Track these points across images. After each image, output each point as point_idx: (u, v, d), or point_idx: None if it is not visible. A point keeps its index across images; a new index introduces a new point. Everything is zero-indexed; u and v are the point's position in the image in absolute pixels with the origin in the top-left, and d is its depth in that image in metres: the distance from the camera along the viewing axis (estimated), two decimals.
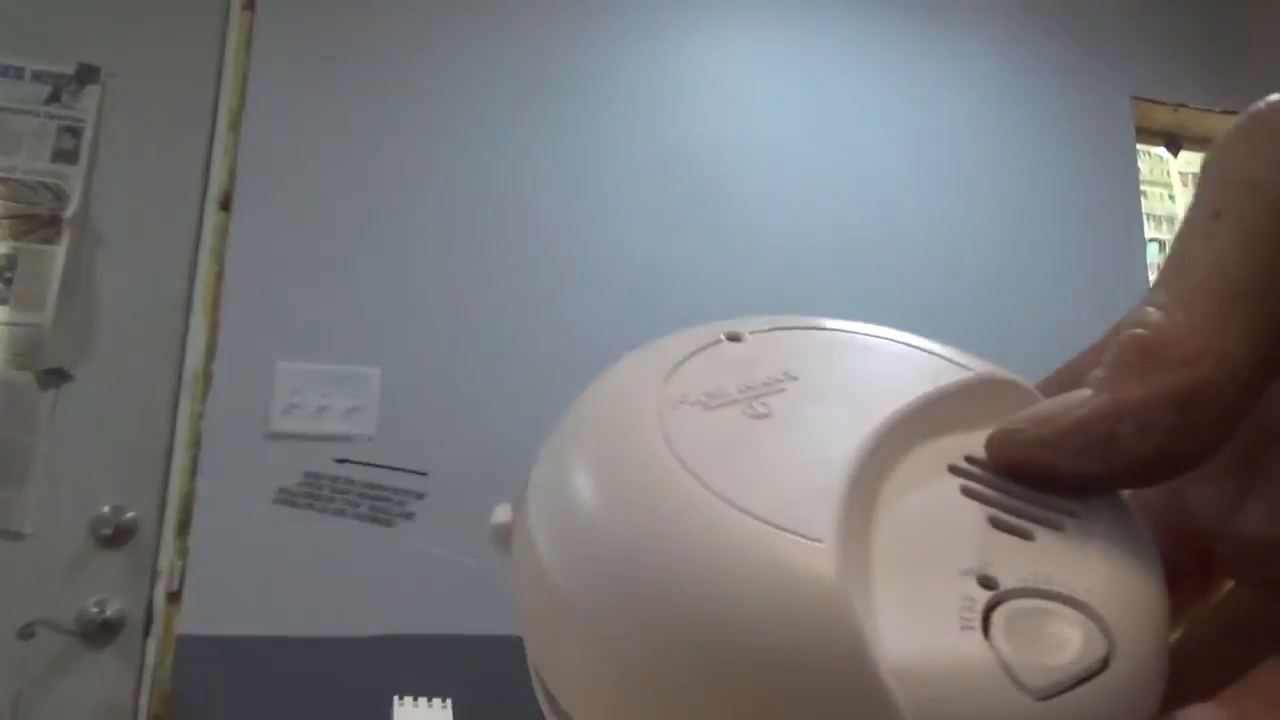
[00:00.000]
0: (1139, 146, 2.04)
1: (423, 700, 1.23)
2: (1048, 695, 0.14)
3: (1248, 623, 0.19)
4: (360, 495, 1.33)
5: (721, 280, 1.64)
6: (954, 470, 0.18)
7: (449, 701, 1.26)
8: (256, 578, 1.39)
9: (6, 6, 1.44)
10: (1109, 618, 0.15)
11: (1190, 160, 2.20)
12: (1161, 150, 2.17)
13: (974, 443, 0.18)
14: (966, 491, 0.17)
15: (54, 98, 1.44)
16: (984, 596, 0.15)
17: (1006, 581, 0.15)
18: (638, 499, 0.16)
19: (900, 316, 0.31)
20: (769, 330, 0.21)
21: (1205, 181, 0.17)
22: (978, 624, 0.14)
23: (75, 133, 1.44)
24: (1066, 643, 0.14)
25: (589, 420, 0.19)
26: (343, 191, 1.54)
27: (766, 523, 0.15)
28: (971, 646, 0.14)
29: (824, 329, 0.21)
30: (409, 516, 1.43)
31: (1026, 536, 0.16)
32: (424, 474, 1.36)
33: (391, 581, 1.43)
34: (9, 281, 1.39)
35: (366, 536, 1.43)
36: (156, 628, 1.36)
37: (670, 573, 0.15)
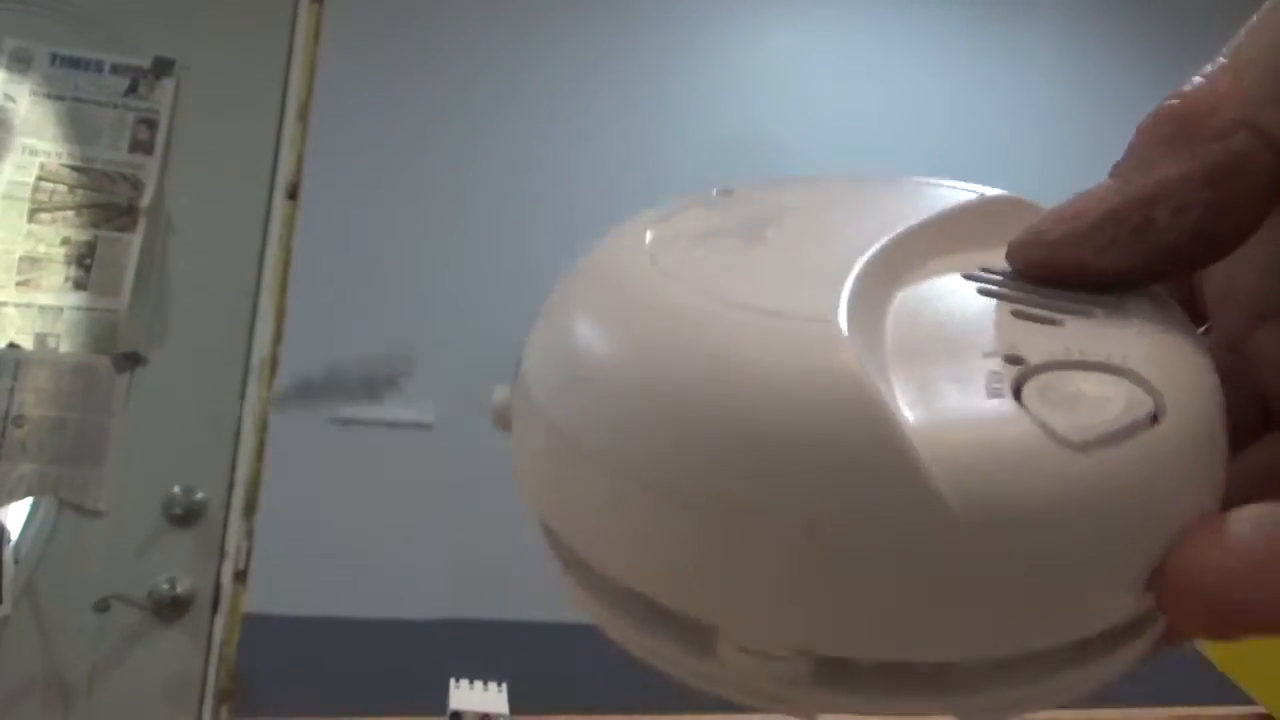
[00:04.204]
0: None
1: (479, 683, 1.25)
2: (1093, 449, 0.13)
3: None
4: None
5: None
6: (970, 277, 0.17)
7: (504, 685, 1.28)
8: (319, 560, 1.42)
9: (88, 3, 1.49)
10: (1153, 377, 0.14)
11: None
12: None
13: (990, 258, 0.17)
14: (985, 292, 0.16)
15: (131, 90, 1.48)
16: (1012, 371, 0.14)
17: (1036, 357, 0.14)
18: (632, 320, 0.15)
19: None
20: (763, 184, 0.20)
21: None
22: (1008, 393, 0.13)
23: (151, 124, 1.48)
24: (1108, 402, 0.13)
25: (578, 275, 0.18)
26: (407, 181, 1.56)
27: (767, 313, 0.14)
28: (1003, 411, 0.13)
29: (820, 179, 0.21)
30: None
31: (1054, 323, 0.15)
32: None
33: (451, 566, 1.45)
34: (88, 268, 1.43)
35: (429, 520, 1.45)
36: (224, 605, 1.40)
37: (676, 379, 0.14)
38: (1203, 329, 0.19)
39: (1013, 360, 0.14)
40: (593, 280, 0.17)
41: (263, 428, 1.44)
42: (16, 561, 1.35)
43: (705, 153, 1.66)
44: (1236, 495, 0.15)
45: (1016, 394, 0.13)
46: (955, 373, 0.14)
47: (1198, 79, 0.15)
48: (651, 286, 0.16)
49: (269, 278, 1.49)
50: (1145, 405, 0.13)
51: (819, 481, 0.13)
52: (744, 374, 0.13)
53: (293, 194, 1.51)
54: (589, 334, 0.16)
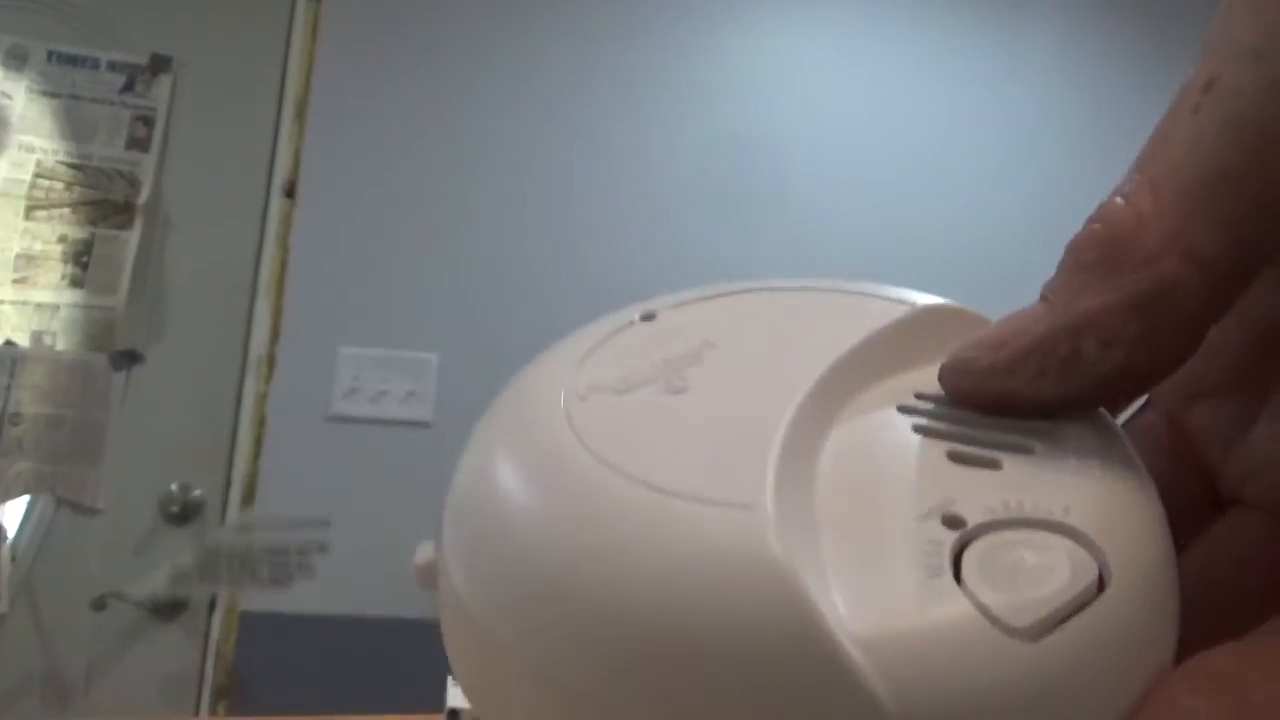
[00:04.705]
0: None
1: None
2: (1039, 634, 0.12)
3: (1258, 555, 0.16)
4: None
5: (782, 274, 1.62)
6: (903, 410, 0.16)
7: None
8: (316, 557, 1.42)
9: (85, 0, 1.49)
10: (1096, 535, 0.13)
11: None
12: None
13: (924, 379, 0.16)
14: (920, 429, 0.15)
15: (128, 87, 1.48)
16: (950, 538, 0.13)
17: (975, 516, 0.13)
18: (547, 500, 0.14)
19: None
20: (685, 303, 0.19)
21: (1203, 50, 0.15)
22: (947, 569, 0.13)
23: (148, 121, 1.48)
24: (1051, 571, 0.12)
25: (492, 431, 0.17)
26: (404, 179, 1.56)
27: (688, 498, 0.13)
28: (941, 596, 0.12)
29: (743, 291, 0.20)
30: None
31: (992, 466, 0.14)
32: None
33: None
34: (85, 266, 1.43)
35: (426, 518, 1.45)
36: (221, 603, 1.40)
37: (589, 574, 0.13)
38: (1141, 401, 0.18)
39: (951, 522, 0.13)
40: (508, 443, 0.16)
41: (260, 425, 1.44)
42: (14, 559, 1.35)
43: (705, 151, 1.66)
44: (1197, 595, 0.14)
45: (956, 564, 0.13)
46: (892, 542, 0.13)
47: (1117, 199, 0.15)
48: (567, 462, 0.14)
49: (266, 275, 1.49)
50: (1090, 572, 0.13)
51: (748, 692, 0.12)
52: (664, 575, 0.13)
53: (290, 192, 1.51)
54: (501, 516, 0.15)
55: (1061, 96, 1.88)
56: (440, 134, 1.58)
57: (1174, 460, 0.17)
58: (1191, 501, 0.17)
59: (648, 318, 0.19)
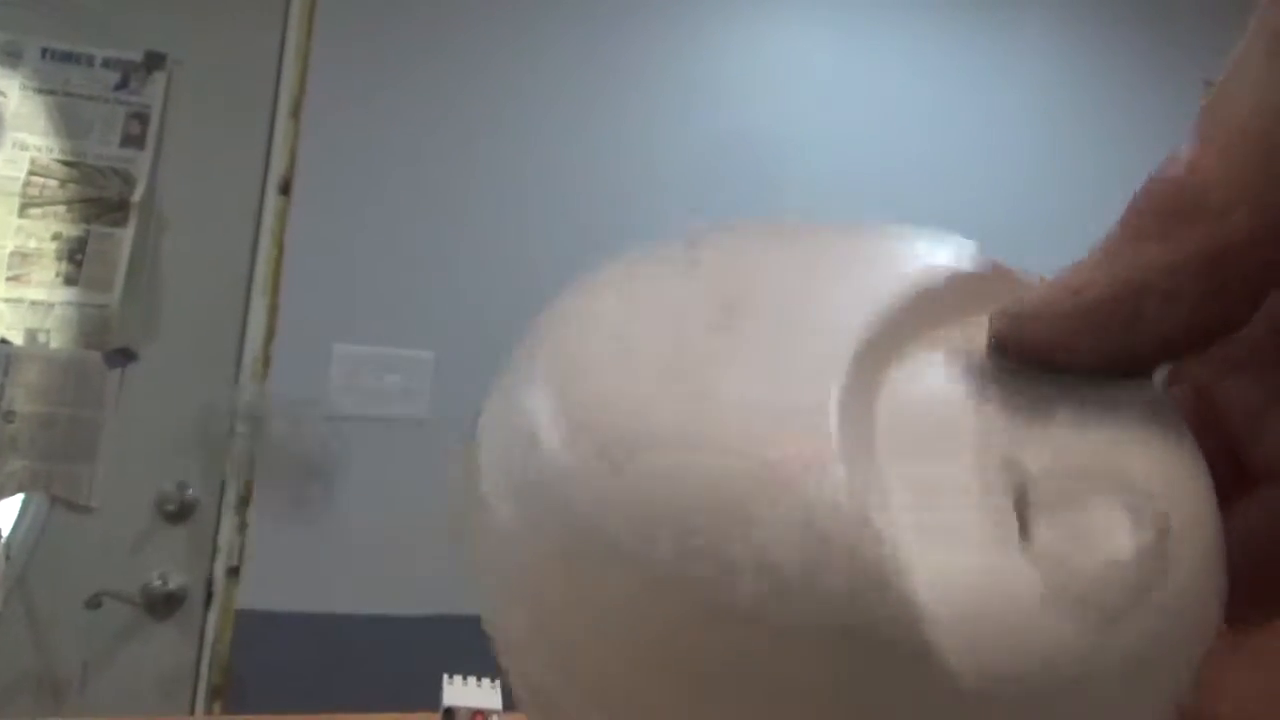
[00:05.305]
0: None
1: (472, 679, 1.25)
2: (1113, 609, 0.12)
3: None
4: None
5: None
6: (953, 364, 0.15)
7: (498, 681, 1.28)
8: (312, 556, 1.42)
9: None
10: (1160, 497, 0.13)
11: None
12: None
13: (971, 333, 0.16)
14: (971, 385, 0.15)
15: (122, 84, 1.48)
16: (1014, 490, 0.13)
17: (1038, 476, 0.13)
18: (599, 434, 0.14)
19: None
20: (723, 239, 0.19)
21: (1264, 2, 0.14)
22: (1015, 535, 0.13)
23: (142, 118, 1.48)
24: (1121, 535, 0.12)
25: (532, 365, 0.16)
26: (399, 177, 1.56)
27: (754, 459, 0.13)
28: (1014, 566, 0.12)
29: (783, 231, 0.19)
30: None
31: (1049, 423, 0.14)
32: None
33: (445, 563, 1.45)
34: (79, 263, 1.43)
35: (423, 516, 1.45)
36: (216, 601, 1.40)
37: (646, 533, 0.13)
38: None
39: (1016, 483, 0.13)
40: (556, 364, 0.15)
41: (256, 423, 1.44)
42: (8, 558, 1.35)
43: (705, 148, 1.66)
44: (1229, 570, 0.14)
45: (1022, 518, 0.13)
46: (956, 505, 0.13)
47: (1183, 152, 0.14)
48: (627, 406, 0.14)
49: (261, 273, 1.48)
50: (1160, 537, 0.13)
51: (822, 663, 0.12)
52: (734, 539, 0.12)
53: (285, 189, 1.50)
54: (543, 447, 0.14)
55: (1058, 97, 1.88)
56: (437, 131, 1.58)
57: (1202, 433, 0.17)
58: (1219, 475, 0.16)
59: (693, 250, 0.18)
